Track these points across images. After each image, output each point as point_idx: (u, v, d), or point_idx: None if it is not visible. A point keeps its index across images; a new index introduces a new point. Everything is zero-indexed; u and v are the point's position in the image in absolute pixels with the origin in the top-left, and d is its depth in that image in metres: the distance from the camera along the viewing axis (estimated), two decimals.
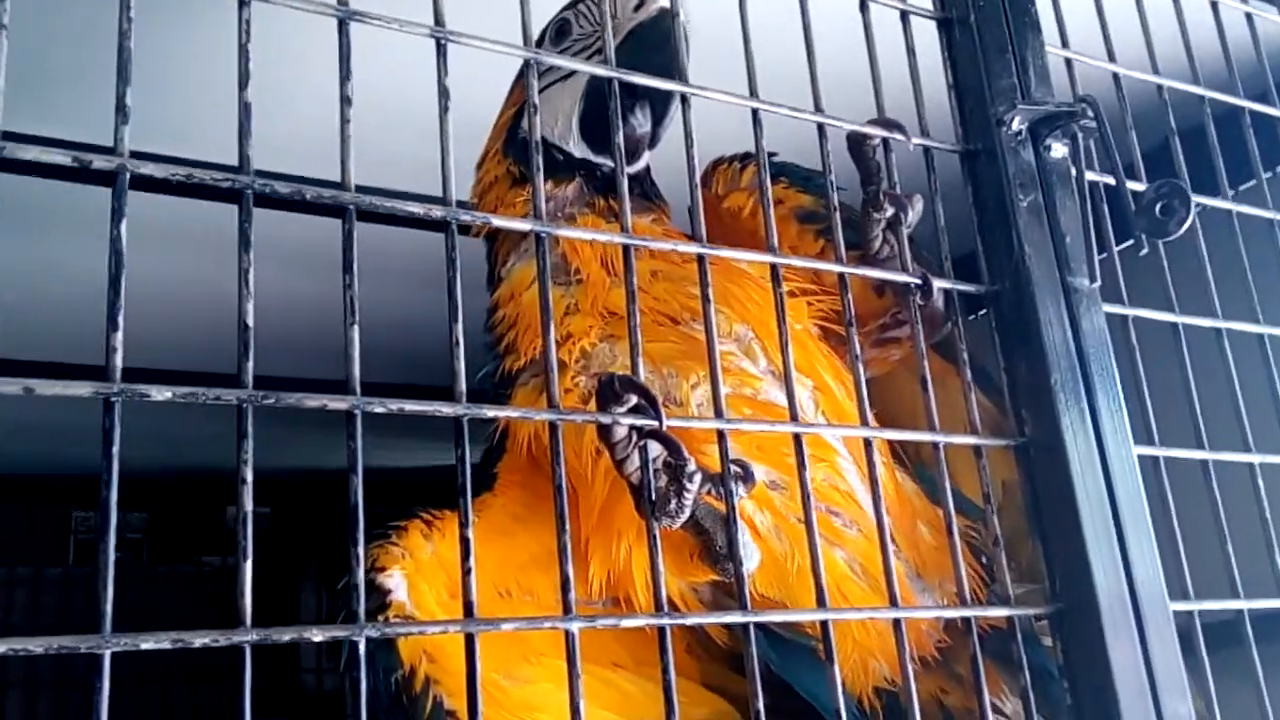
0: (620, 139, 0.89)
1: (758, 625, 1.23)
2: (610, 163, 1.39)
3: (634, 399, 0.86)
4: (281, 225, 2.21)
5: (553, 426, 0.78)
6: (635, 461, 0.99)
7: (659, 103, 1.38)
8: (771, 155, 1.55)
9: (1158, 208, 1.06)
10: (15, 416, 3.98)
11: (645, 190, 1.49)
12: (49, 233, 2.64)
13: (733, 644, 1.28)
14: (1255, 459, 1.15)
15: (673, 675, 0.76)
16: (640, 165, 1.48)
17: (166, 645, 0.62)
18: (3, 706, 4.64)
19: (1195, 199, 1.10)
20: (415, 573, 1.22)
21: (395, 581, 1.20)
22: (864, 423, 0.95)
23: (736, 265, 1.39)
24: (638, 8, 1.34)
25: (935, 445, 0.97)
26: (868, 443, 0.94)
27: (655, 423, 0.84)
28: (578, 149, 1.44)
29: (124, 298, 0.65)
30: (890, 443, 1.42)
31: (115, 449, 0.63)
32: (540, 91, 1.40)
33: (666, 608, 0.79)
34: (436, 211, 0.77)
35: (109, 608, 0.61)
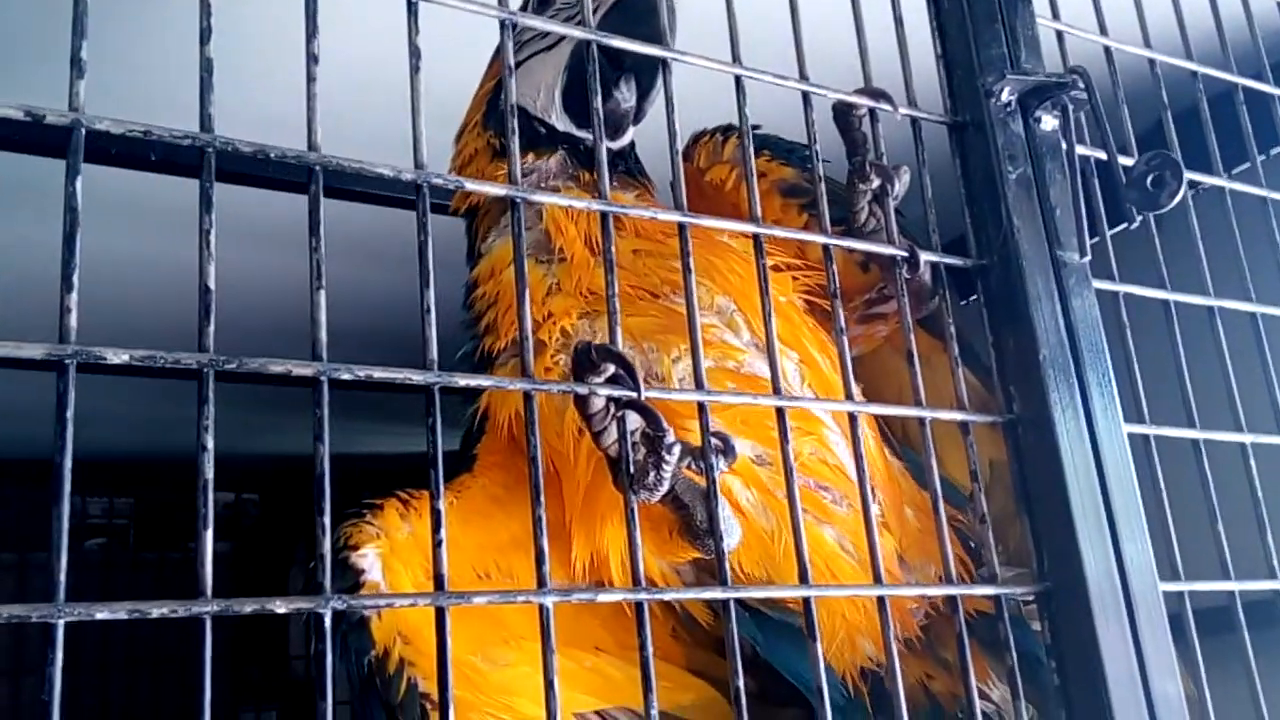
0: (599, 104, 0.87)
1: (743, 605, 1.22)
2: (609, 142, 1.38)
3: (611, 369, 0.84)
4: (253, 206, 2.20)
5: (527, 397, 0.76)
6: (613, 434, 0.97)
7: (644, 76, 1.36)
8: (755, 127, 1.54)
9: (1149, 180, 1.04)
10: None
11: (629, 167, 1.47)
12: (16, 212, 2.62)
13: (718, 628, 1.26)
14: (1247, 438, 1.13)
15: (650, 651, 0.74)
16: (624, 141, 1.46)
17: (123, 615, 0.60)
18: None
19: (1188, 174, 1.08)
20: (390, 553, 1.20)
21: (369, 561, 1.18)
22: (849, 396, 0.93)
23: (719, 238, 1.36)
24: None
25: (921, 421, 0.95)
26: (853, 417, 0.92)
27: (633, 393, 0.82)
28: (560, 121, 1.42)
29: (79, 258, 0.63)
30: (878, 423, 1.40)
31: (69, 414, 0.61)
32: (520, 64, 1.39)
33: (645, 584, 0.77)
34: (407, 174, 0.75)
35: (63, 577, 0.60)
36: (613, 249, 0.84)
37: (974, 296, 1.05)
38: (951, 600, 0.93)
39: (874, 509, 1.29)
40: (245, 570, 4.91)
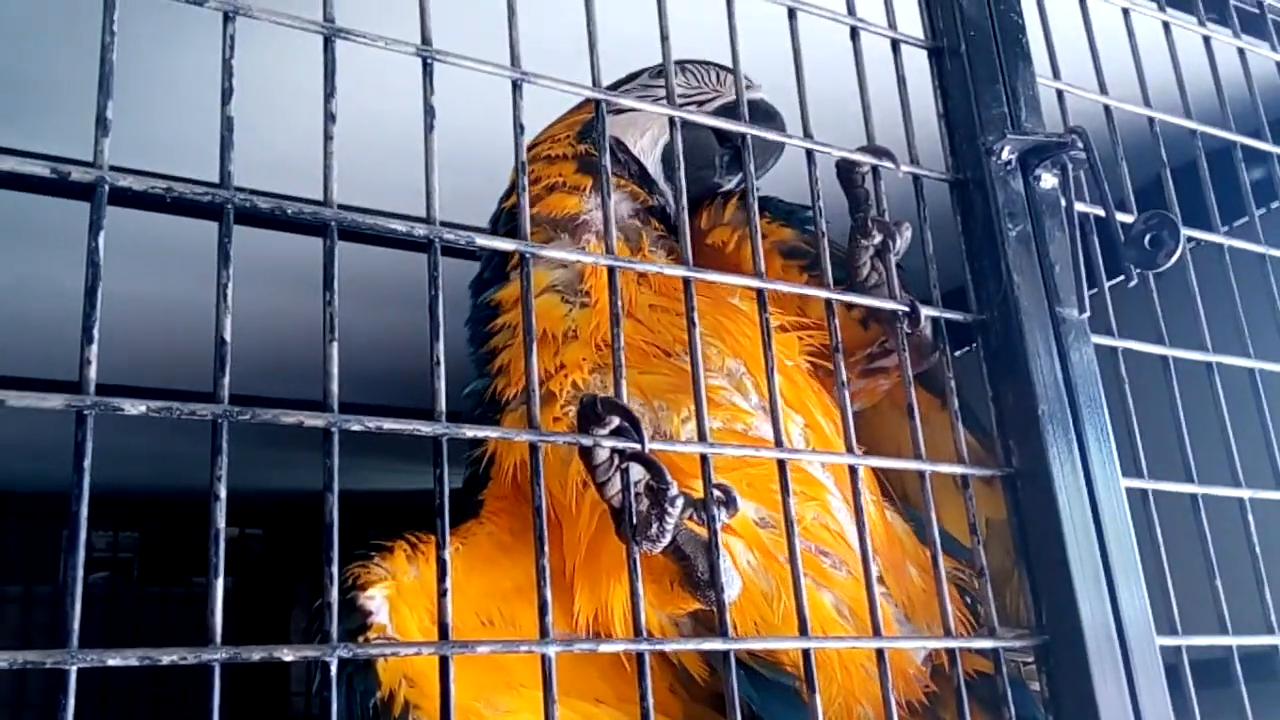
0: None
1: (739, 665, 1.23)
2: (666, 198, 1.47)
3: (616, 421, 0.85)
4: (269, 247, 2.23)
5: (533, 448, 0.78)
6: (616, 484, 0.98)
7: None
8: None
9: (1147, 239, 1.05)
10: (8, 434, 3.98)
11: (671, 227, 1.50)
12: (30, 249, 2.65)
13: (715, 683, 1.27)
14: (1245, 494, 1.14)
15: (650, 702, 0.75)
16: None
17: (134, 662, 0.61)
18: None
19: (1186, 231, 1.10)
20: (397, 595, 1.21)
21: (377, 603, 1.19)
22: (849, 450, 0.94)
23: (729, 300, 1.38)
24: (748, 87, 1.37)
25: (921, 474, 0.96)
26: (853, 470, 0.93)
27: (637, 445, 0.84)
28: (652, 168, 1.49)
29: (99, 310, 0.65)
30: (880, 483, 1.41)
31: (87, 462, 0.63)
32: (626, 111, 1.43)
33: (646, 635, 0.78)
34: (419, 230, 0.77)
35: (76, 624, 0.61)
36: (619, 302, 0.85)
37: (971, 345, 1.07)
38: (950, 654, 0.93)
39: (874, 567, 1.31)
40: (249, 605, 4.91)
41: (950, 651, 0.93)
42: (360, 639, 1.15)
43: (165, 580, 4.98)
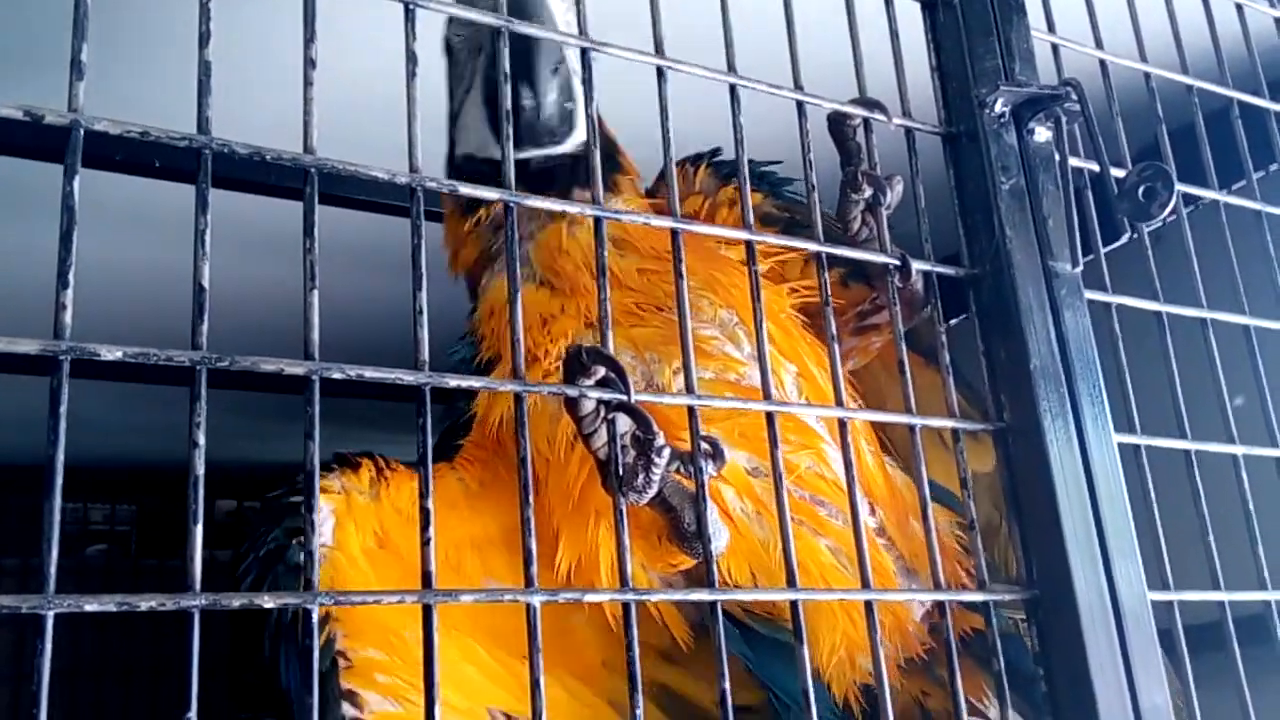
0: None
1: (732, 621, 1.23)
2: (537, 150, 1.34)
3: (602, 371, 0.84)
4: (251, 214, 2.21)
5: (517, 398, 0.77)
6: (603, 436, 0.97)
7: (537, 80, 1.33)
8: (716, 151, 1.54)
9: (1140, 191, 1.04)
10: (7, 407, 3.97)
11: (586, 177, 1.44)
12: (20, 218, 2.64)
13: (701, 654, 1.27)
14: (1239, 450, 1.14)
15: (636, 653, 0.74)
16: (569, 146, 1.38)
17: (111, 608, 0.61)
18: None
19: (1181, 187, 1.08)
20: (345, 511, 1.22)
21: (322, 516, 1.19)
22: (839, 403, 0.93)
23: (720, 253, 1.37)
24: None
25: (910, 428, 0.96)
26: (842, 423, 0.92)
27: (623, 396, 0.83)
28: (497, 150, 1.41)
29: (74, 256, 0.64)
30: (880, 436, 1.41)
31: (63, 409, 0.62)
32: (457, 115, 1.40)
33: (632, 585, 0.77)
34: (401, 178, 0.76)
35: (53, 569, 0.60)
36: (604, 253, 0.84)
37: (964, 315, 1.06)
38: (941, 606, 0.93)
39: (872, 519, 1.30)
40: (237, 578, 4.90)
41: (941, 604, 0.93)
42: (295, 541, 1.15)
43: (163, 553, 4.98)
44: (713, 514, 1.16)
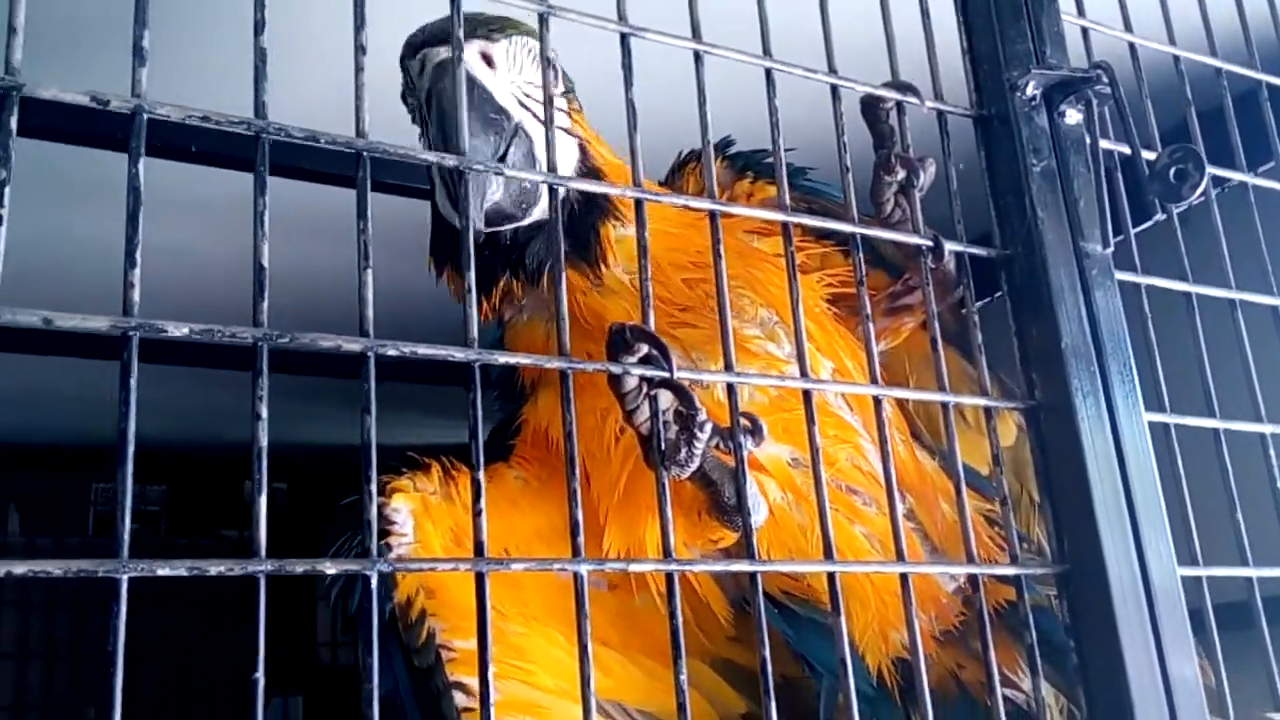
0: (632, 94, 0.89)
1: (772, 603, 1.25)
2: (504, 225, 1.28)
3: (645, 349, 0.86)
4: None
5: (563, 374, 0.79)
6: (645, 412, 1.00)
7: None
8: (729, 143, 1.54)
9: (1172, 173, 1.05)
10: (38, 386, 4.03)
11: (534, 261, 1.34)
12: (78, 203, 2.68)
13: (736, 625, 1.29)
14: (1267, 429, 1.15)
15: (680, 620, 0.77)
16: (534, 216, 1.30)
17: (183, 572, 0.64)
18: (27, 625, 4.71)
19: (1211, 170, 1.09)
20: (423, 511, 1.24)
21: (402, 516, 1.22)
22: (873, 381, 0.95)
23: (757, 251, 1.39)
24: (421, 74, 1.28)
25: (944, 406, 0.98)
26: (877, 401, 0.94)
27: (665, 373, 0.85)
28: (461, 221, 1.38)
29: (140, 235, 0.66)
30: (910, 423, 1.43)
31: (133, 381, 0.64)
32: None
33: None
34: (450, 160, 0.78)
35: (126, 535, 0.63)
36: (645, 234, 0.86)
37: (993, 296, 1.07)
38: (973, 579, 0.95)
39: (901, 504, 1.32)
40: (273, 556, 4.96)
41: (973, 577, 0.95)
42: (381, 543, 1.18)
43: (193, 533, 5.04)
44: (752, 488, 1.19)
